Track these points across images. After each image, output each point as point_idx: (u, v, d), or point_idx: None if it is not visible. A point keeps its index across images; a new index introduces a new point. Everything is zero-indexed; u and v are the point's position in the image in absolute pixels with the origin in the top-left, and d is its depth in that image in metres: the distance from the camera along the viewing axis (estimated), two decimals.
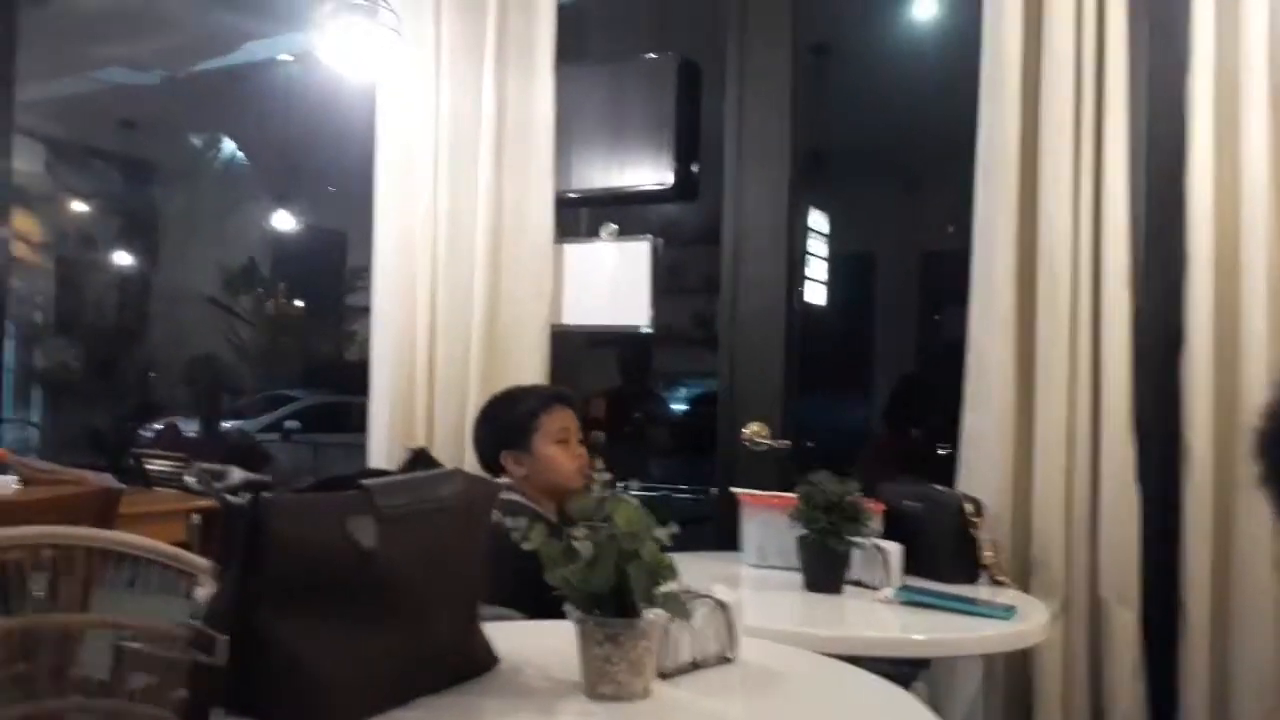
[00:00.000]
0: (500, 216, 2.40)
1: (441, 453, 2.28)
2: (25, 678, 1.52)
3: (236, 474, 0.90)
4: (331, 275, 6.65)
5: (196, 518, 2.60)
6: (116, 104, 5.80)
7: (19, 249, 4.13)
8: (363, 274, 6.44)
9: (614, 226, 2.46)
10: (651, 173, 2.38)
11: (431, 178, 2.44)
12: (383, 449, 2.47)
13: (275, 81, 4.93)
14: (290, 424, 7.13)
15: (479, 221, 2.39)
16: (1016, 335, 1.92)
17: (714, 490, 2.32)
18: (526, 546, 1.04)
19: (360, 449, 2.62)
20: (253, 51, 4.39)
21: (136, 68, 5.07)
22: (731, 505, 1.94)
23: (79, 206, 6.94)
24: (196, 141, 6.93)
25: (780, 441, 2.23)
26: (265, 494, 0.89)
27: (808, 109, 2.46)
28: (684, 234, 3.52)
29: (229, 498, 0.88)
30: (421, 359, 2.45)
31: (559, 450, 1.83)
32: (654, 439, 3.89)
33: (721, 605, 1.14)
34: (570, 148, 2.43)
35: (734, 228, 2.40)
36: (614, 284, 2.43)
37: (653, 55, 2.44)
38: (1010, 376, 1.91)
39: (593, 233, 2.52)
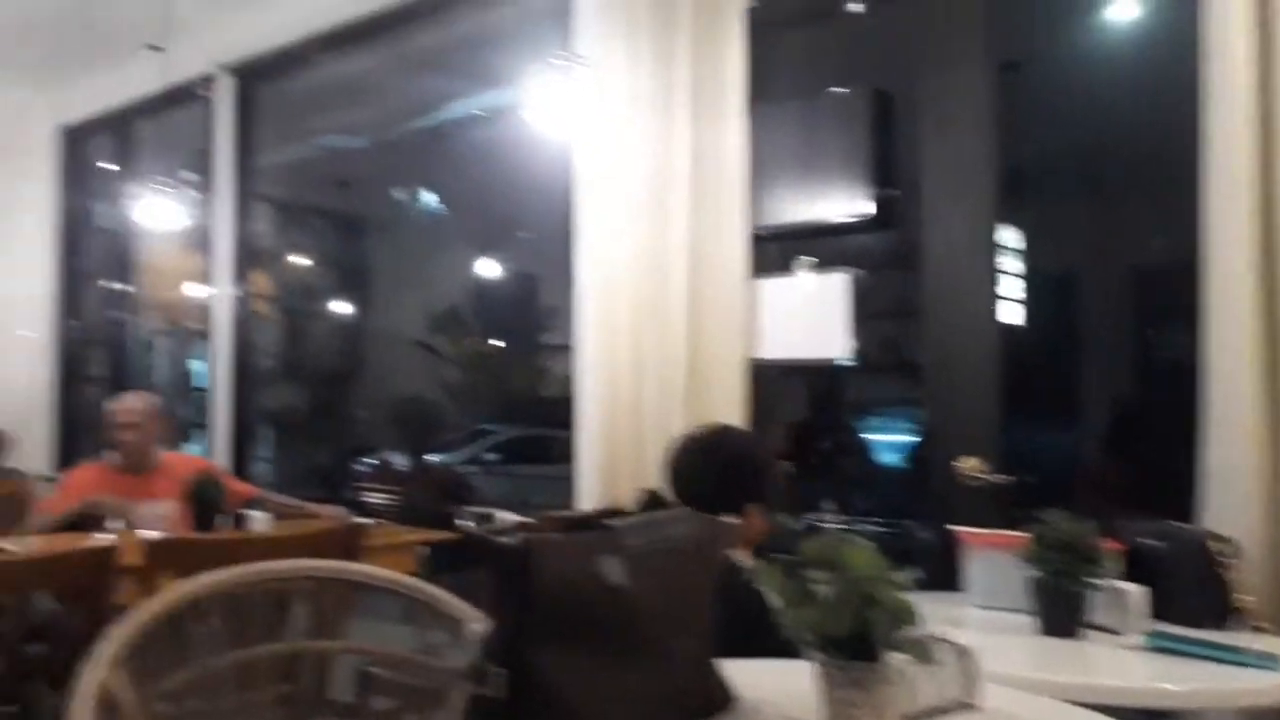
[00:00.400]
0: (697, 255, 2.47)
1: (650, 483, 2.34)
2: (288, 698, 1.67)
3: (501, 515, 0.98)
4: (526, 316, 6.98)
5: (424, 550, 2.78)
6: (332, 166, 6.34)
7: (257, 304, 4.58)
8: (555, 314, 6.75)
9: (811, 260, 2.47)
10: (847, 204, 2.38)
11: (628, 220, 2.54)
12: (591, 480, 2.57)
13: (472, 137, 5.26)
14: (489, 456, 7.49)
15: (676, 261, 2.46)
16: (1264, 358, 1.78)
17: (913, 524, 2.26)
18: (762, 587, 1.07)
19: (555, 480, 2.73)
20: (452, 111, 4.71)
21: (350, 133, 5.54)
22: (944, 543, 1.89)
23: (301, 261, 7.62)
24: (400, 196, 7.47)
25: (999, 476, 2.16)
26: (530, 535, 0.96)
27: (1004, 127, 2.40)
28: (873, 260, 3.48)
29: (500, 539, 0.96)
30: (626, 394, 2.54)
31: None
32: (845, 471, 3.82)
33: (960, 650, 1.12)
34: (763, 184, 2.47)
35: (935, 253, 2.35)
36: (811, 317, 2.44)
37: (843, 90, 2.45)
38: (1259, 404, 1.77)
39: (787, 267, 2.55)
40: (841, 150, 2.40)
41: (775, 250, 2.61)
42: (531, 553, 0.97)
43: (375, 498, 4.89)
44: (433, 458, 7.09)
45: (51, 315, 5.28)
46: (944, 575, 1.90)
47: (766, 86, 2.56)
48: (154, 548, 2.04)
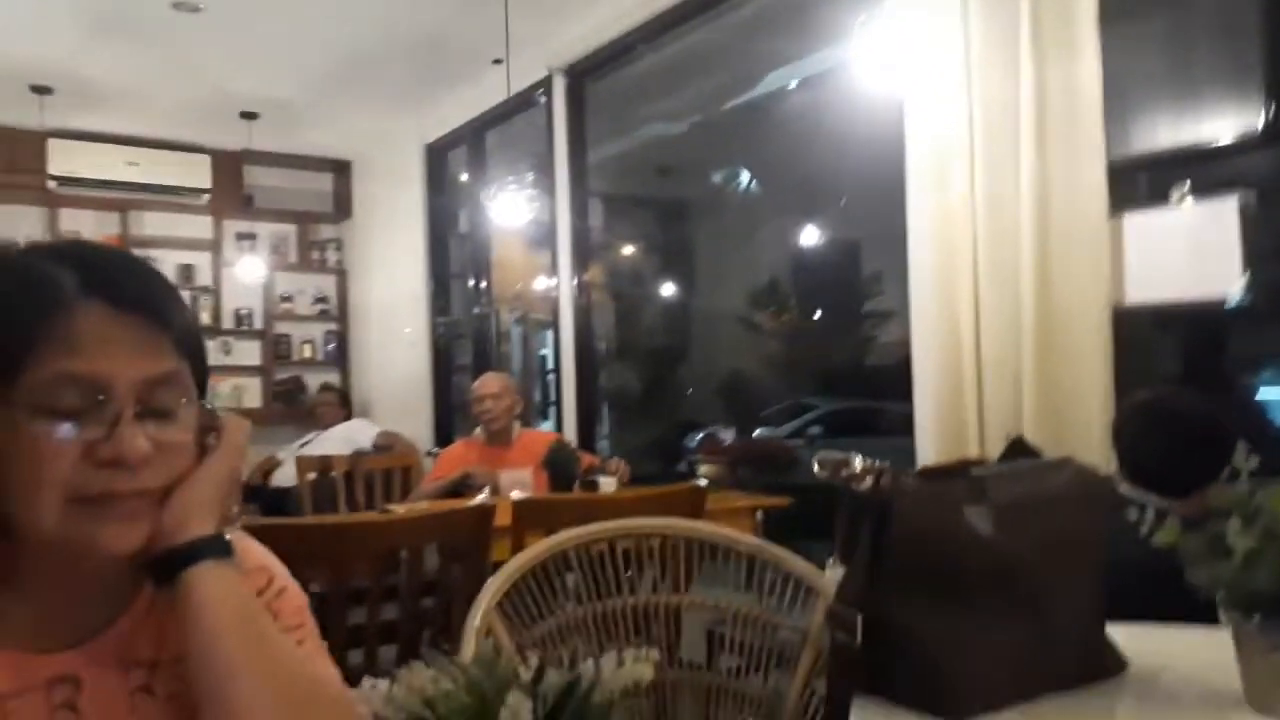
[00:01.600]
0: (1046, 197, 2.26)
1: (995, 452, 2.20)
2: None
3: (858, 462, 0.95)
4: (847, 285, 6.85)
5: (760, 514, 2.83)
6: (653, 155, 6.61)
7: (592, 292, 4.90)
8: (878, 280, 6.57)
9: (1186, 186, 2.17)
10: (1233, 121, 2.06)
11: (968, 169, 2.39)
12: (932, 451, 2.45)
13: (790, 109, 5.24)
14: (813, 430, 7.49)
15: (1023, 205, 2.28)
16: None
17: None
18: (1159, 540, 0.95)
19: (881, 453, 2.63)
20: (770, 83, 4.71)
21: (671, 119, 5.74)
22: None
23: (627, 250, 8.07)
24: (717, 178, 7.65)
25: None
26: (889, 482, 0.92)
27: None
28: (1268, 184, 2.98)
29: (856, 486, 0.93)
30: (968, 356, 2.40)
31: None
32: (1247, 431, 3.31)
33: None
34: (1126, 109, 2.21)
35: None
36: (1192, 252, 2.14)
37: None
38: None
39: (1159, 197, 2.26)
40: (1224, 59, 2.08)
41: (1144, 181, 2.33)
42: (893, 499, 0.93)
43: (706, 468, 5.07)
44: (758, 432, 7.21)
45: (425, 313, 6.02)
46: None
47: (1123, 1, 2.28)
48: (520, 508, 2.25)
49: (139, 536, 0.75)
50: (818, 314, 7.39)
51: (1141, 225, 2.24)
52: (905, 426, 2.70)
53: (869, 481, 0.94)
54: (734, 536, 1.81)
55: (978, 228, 2.36)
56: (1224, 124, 2.09)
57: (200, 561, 0.76)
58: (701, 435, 7.27)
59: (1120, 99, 2.19)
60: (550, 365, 5.68)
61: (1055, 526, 1.00)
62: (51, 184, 5.63)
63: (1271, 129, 2.03)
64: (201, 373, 0.80)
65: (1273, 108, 2.02)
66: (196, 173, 6.08)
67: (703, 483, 2.54)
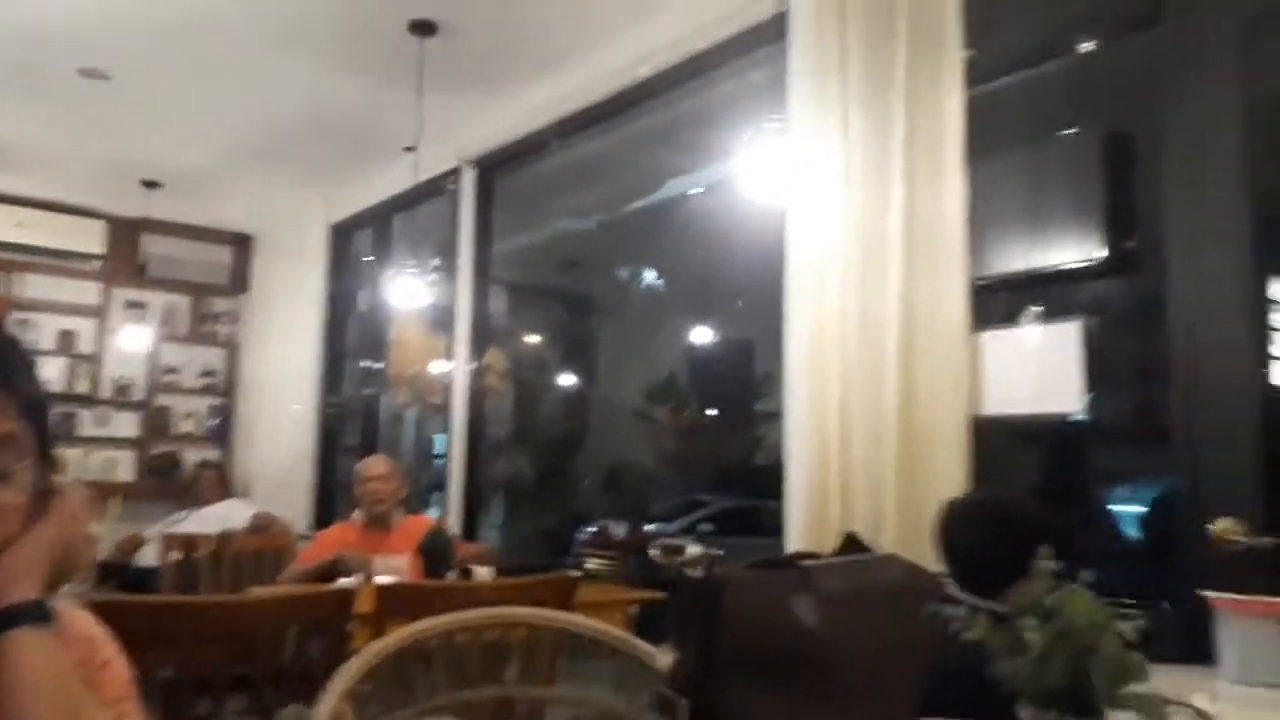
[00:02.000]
0: (913, 310, 2.40)
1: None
2: None
3: (692, 549, 1.00)
4: (741, 383, 7.02)
5: (634, 609, 2.83)
6: (562, 248, 6.74)
7: (490, 378, 4.90)
8: (770, 380, 6.76)
9: (1036, 309, 2.35)
10: (1078, 250, 2.25)
11: (840, 281, 2.52)
12: (798, 547, 2.51)
13: (690, 213, 5.45)
14: (703, 527, 7.53)
15: (890, 318, 2.41)
16: None
17: (1166, 597, 2.03)
18: (968, 635, 1.01)
19: (766, 551, 2.69)
20: (672, 188, 4.91)
21: (578, 216, 5.89)
22: (1196, 614, 1.69)
23: (531, 338, 8.11)
24: (623, 274, 7.82)
25: (1260, 539, 1.91)
26: (719, 569, 0.97)
27: (1265, 169, 2.18)
28: (1109, 310, 3.23)
29: (689, 571, 0.97)
30: (835, 460, 2.49)
31: None
32: (1088, 543, 3.48)
33: (1203, 715, 1.00)
34: (985, 234, 2.38)
35: (1185, 305, 2.16)
36: (1041, 370, 2.30)
37: (1073, 130, 2.34)
38: None
39: (1012, 318, 2.43)
40: (1072, 194, 2.28)
41: (999, 302, 2.50)
42: (722, 586, 0.97)
43: (596, 563, 5.04)
44: (649, 527, 7.22)
45: (316, 392, 5.91)
46: (1196, 648, 1.70)
47: (986, 136, 2.49)
48: (384, 593, 2.21)
49: None
50: (712, 411, 7.54)
51: (998, 342, 2.39)
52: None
53: (701, 569, 0.98)
54: (600, 629, 1.81)
55: (848, 337, 2.48)
56: (1071, 252, 2.27)
57: (16, 626, 0.75)
58: (594, 529, 7.23)
59: (982, 224, 2.37)
60: (440, 450, 5.63)
61: (879, 620, 1.05)
62: None
63: (1111, 260, 2.22)
64: (44, 438, 0.80)
65: (1111, 241, 2.22)
66: (89, 237, 5.93)
67: (576, 574, 2.53)
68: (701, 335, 6.95)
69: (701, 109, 3.79)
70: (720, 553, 0.91)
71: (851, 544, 1.15)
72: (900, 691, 1.06)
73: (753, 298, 5.52)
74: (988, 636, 1.00)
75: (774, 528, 2.72)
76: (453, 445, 4.72)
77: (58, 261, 5.90)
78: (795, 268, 2.65)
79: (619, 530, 7.03)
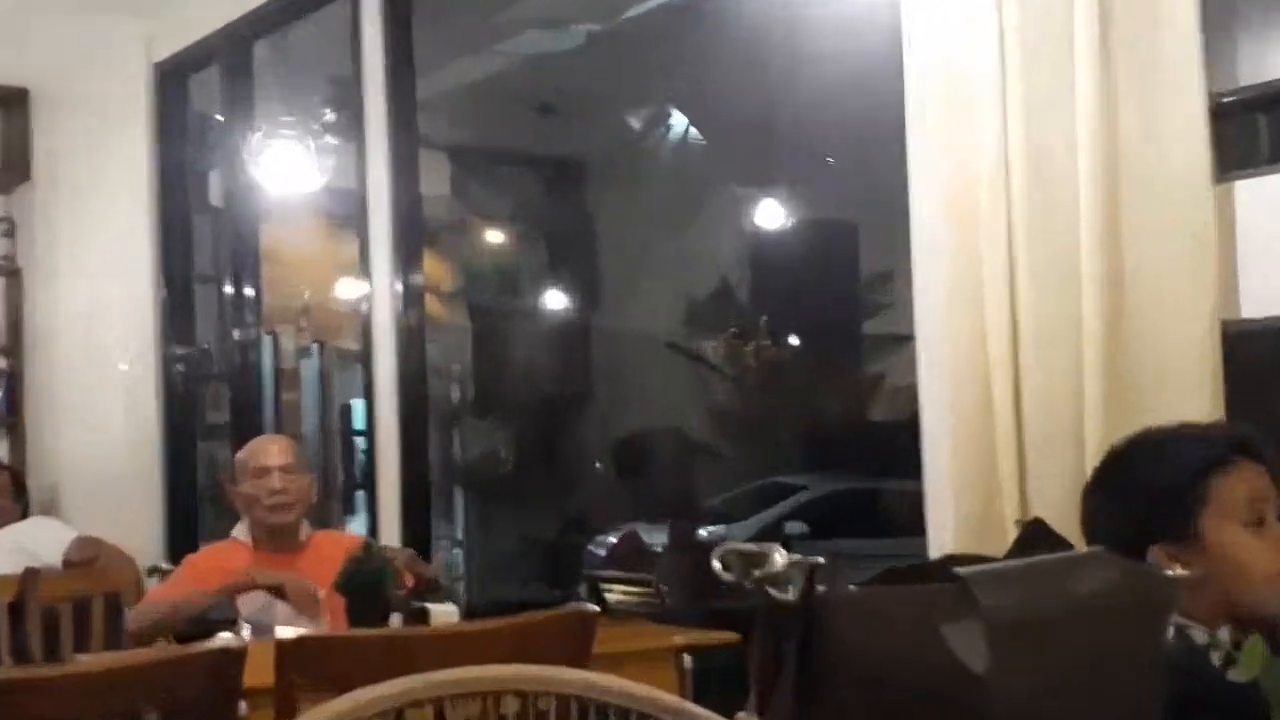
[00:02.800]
0: (1116, 154, 2.39)
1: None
2: None
3: (779, 558, 1.01)
4: (838, 293, 6.97)
5: (688, 659, 2.87)
6: (529, 83, 6.69)
7: (431, 305, 4.93)
8: (887, 284, 6.68)
9: None
10: None
11: (999, 114, 2.50)
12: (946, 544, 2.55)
13: (739, 14, 5.37)
14: (793, 526, 7.56)
15: (1081, 167, 2.40)
16: None
17: None
18: (1235, 677, 1.03)
19: (904, 557, 2.72)
20: None
21: (552, 26, 5.82)
22: None
23: (493, 236, 8.08)
24: (635, 123, 7.73)
25: None
26: (822, 588, 0.99)
27: None
28: None
29: (773, 591, 0.99)
30: (1003, 406, 2.49)
31: (1249, 538, 1.73)
32: None
33: None
34: (1231, 27, 2.35)
35: None
36: None
37: None
38: None
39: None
40: None
41: (1264, 129, 2.47)
42: (821, 612, 0.99)
43: (620, 594, 5.12)
44: (705, 531, 7.29)
45: (154, 340, 5.96)
46: None
47: None
48: (288, 651, 2.27)
49: None
50: (796, 340, 7.47)
51: (1262, 198, 2.37)
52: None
53: (796, 589, 1.00)
54: (637, 693, 1.85)
55: (1013, 205, 2.47)
56: None
57: None
58: (614, 539, 7.29)
59: (1221, 10, 2.34)
60: (361, 425, 5.66)
61: (1084, 655, 1.07)
62: None
63: None
64: None
65: None
66: None
67: (592, 608, 2.58)
68: (769, 217, 6.85)
69: None
70: (821, 560, 0.91)
71: (1035, 537, 1.17)
72: None
73: (852, 151, 5.45)
74: (1266, 676, 1.02)
75: (904, 523, 2.75)
76: (380, 415, 4.77)
77: None
78: (920, 95, 2.63)
79: (654, 539, 7.11)
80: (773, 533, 7.48)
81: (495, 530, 7.61)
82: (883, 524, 6.30)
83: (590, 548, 7.40)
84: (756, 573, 1.02)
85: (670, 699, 1.83)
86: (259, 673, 2.22)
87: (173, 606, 3.54)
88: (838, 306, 7.00)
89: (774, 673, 1.01)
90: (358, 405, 7.21)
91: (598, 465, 8.18)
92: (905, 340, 5.88)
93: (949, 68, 2.59)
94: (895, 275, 6.02)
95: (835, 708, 0.99)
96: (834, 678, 0.99)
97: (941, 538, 2.60)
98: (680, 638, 3.03)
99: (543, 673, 1.89)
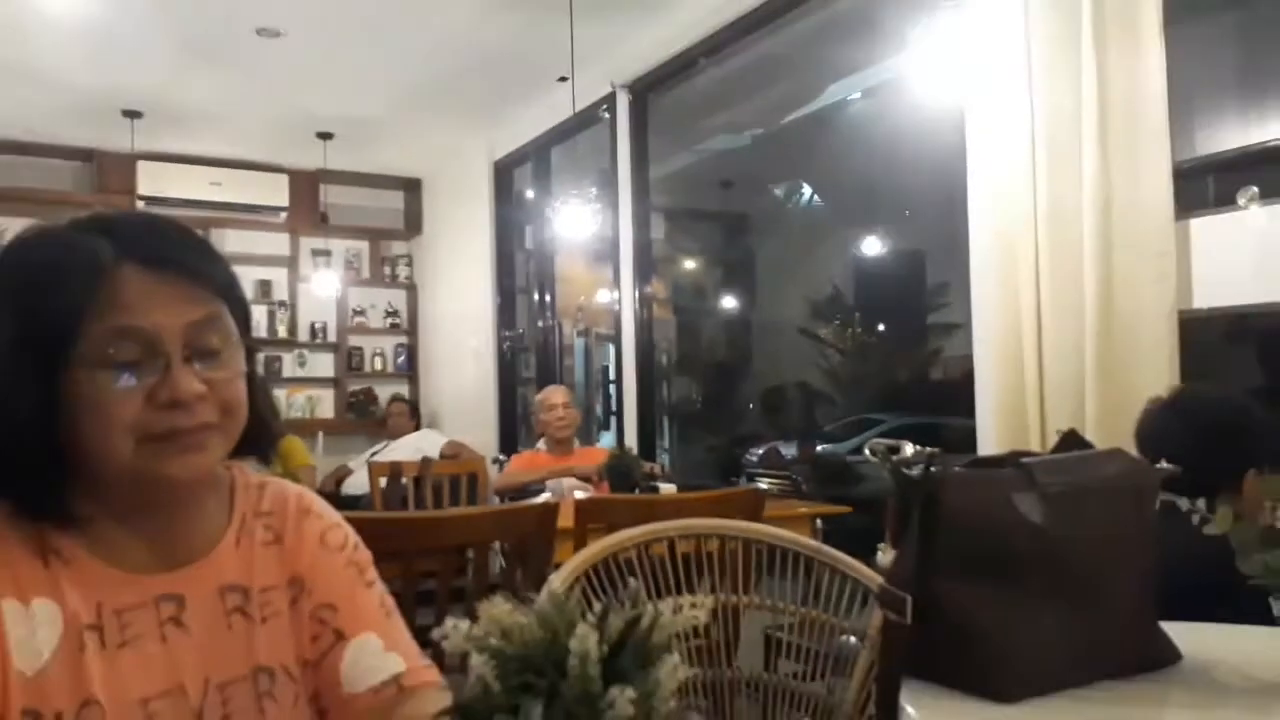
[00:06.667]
0: (1109, 200, 2.24)
1: None
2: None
3: (909, 448, 0.98)
4: (911, 296, 6.80)
5: (819, 522, 2.83)
6: (716, 168, 6.65)
7: (653, 305, 4.94)
8: (944, 291, 6.49)
9: (1254, 190, 2.14)
10: None
11: (1029, 174, 2.38)
12: None
13: (851, 119, 5.24)
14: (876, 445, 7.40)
15: (1085, 210, 2.26)
16: None
17: None
18: (1209, 530, 0.95)
19: None
20: (831, 94, 4.73)
21: (733, 131, 5.77)
22: None
23: (689, 264, 8.11)
24: (779, 191, 7.64)
25: None
26: (937, 468, 0.95)
27: None
28: None
29: (905, 470, 0.96)
30: (1031, 369, 2.38)
31: None
32: None
33: None
34: (1191, 110, 2.18)
35: None
36: (1262, 255, 2.10)
37: None
38: None
39: (1221, 203, 2.22)
40: None
41: (1210, 184, 2.29)
42: (941, 484, 0.95)
43: (766, 483, 5.07)
44: (820, 447, 7.18)
45: (492, 326, 6.14)
46: None
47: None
48: (583, 506, 2.30)
49: (203, 465, 0.84)
50: (881, 326, 7.34)
51: (1208, 228, 2.20)
52: (971, 444, 2.68)
53: (919, 467, 0.96)
54: (793, 538, 1.82)
55: (1040, 235, 2.35)
56: None
57: None
58: (762, 449, 7.26)
59: (1185, 100, 2.17)
60: (612, 377, 5.75)
61: (1105, 516, 1.01)
62: (140, 204, 5.90)
63: None
64: (243, 315, 0.88)
65: None
66: (275, 191, 6.31)
67: (763, 487, 2.56)
68: (867, 248, 6.75)
69: (864, 3, 3.61)
70: (938, 450, 0.88)
71: (1071, 440, 1.10)
72: (1134, 586, 1.02)
73: (922, 205, 5.30)
74: (1233, 532, 0.94)
75: (953, 445, 2.65)
76: (624, 372, 4.81)
77: (249, 216, 6.32)
78: (975, 167, 2.52)
79: (788, 450, 7.03)
80: (861, 449, 7.33)
81: (689, 444, 7.63)
82: (932, 444, 6.12)
83: (747, 455, 7.36)
84: (894, 457, 0.98)
85: (812, 542, 1.80)
86: (563, 519, 2.26)
87: (516, 479, 3.69)
88: (908, 304, 6.81)
89: (902, 523, 0.97)
90: (609, 366, 7.35)
91: (750, 405, 8.16)
92: (956, 327, 5.72)
93: (994, 146, 2.47)
94: (950, 285, 5.81)
95: (945, 546, 0.95)
96: (944, 526, 0.95)
97: (987, 449, 2.49)
98: (812, 508, 2.99)
99: (736, 524, 1.89)
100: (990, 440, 2.45)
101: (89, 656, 0.79)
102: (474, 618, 0.59)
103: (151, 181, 5.94)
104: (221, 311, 0.85)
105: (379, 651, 0.93)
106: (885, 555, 1.01)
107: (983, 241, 2.50)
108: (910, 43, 2.60)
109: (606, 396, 6.69)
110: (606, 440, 6.14)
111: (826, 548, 1.79)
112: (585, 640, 0.52)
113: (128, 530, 0.85)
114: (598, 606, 0.58)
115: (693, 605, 0.58)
